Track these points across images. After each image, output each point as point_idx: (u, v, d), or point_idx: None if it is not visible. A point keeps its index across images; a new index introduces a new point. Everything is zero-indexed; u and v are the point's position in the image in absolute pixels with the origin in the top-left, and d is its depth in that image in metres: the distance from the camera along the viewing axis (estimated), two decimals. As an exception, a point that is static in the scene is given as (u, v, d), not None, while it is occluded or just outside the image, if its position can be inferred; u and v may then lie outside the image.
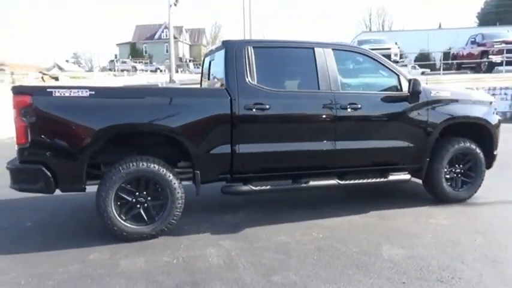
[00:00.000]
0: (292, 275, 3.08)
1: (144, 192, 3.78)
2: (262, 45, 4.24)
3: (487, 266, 3.19)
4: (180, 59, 54.29)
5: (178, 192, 3.82)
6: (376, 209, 4.59)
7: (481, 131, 4.93)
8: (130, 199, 3.74)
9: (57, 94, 3.49)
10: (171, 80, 22.32)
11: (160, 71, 40.57)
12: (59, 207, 4.77)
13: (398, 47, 19.33)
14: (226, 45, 4.11)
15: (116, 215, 3.67)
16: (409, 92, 4.38)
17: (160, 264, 3.30)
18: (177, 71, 32.41)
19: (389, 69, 4.58)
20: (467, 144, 4.78)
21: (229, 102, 3.89)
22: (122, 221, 3.70)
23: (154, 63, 47.56)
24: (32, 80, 23.99)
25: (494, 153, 4.99)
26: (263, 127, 4.08)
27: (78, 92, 3.54)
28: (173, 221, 3.85)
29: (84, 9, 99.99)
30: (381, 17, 60.53)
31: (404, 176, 4.61)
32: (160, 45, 56.34)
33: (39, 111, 3.45)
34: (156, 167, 3.72)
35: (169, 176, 3.77)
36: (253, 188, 4.07)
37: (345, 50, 4.60)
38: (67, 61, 64.93)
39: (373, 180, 4.49)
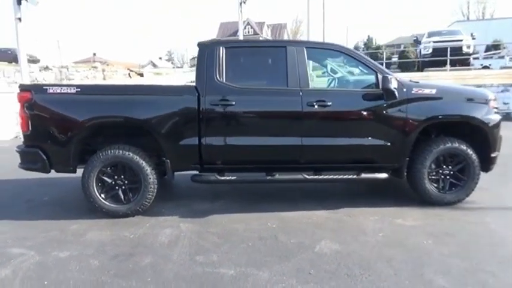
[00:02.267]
0: (216, 256, 3.39)
1: (122, 176, 4.36)
2: (234, 46, 4.54)
3: (409, 267, 3.14)
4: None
5: (150, 178, 4.33)
6: (350, 206, 4.61)
7: (475, 131, 4.61)
8: (110, 181, 4.35)
9: (51, 91, 4.23)
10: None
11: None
12: (73, 186, 5.62)
13: (474, 38, 17.62)
14: (200, 46, 4.49)
15: (97, 194, 4.31)
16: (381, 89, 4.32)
17: (118, 237, 3.85)
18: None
19: (368, 66, 4.53)
20: (456, 144, 4.53)
21: (197, 98, 4.28)
22: (102, 200, 4.33)
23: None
24: (120, 76, 26.83)
25: (492, 155, 4.63)
26: (229, 122, 4.38)
27: (67, 89, 4.25)
28: (146, 203, 4.38)
29: (180, 7, 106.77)
30: (481, 4, 54.61)
31: (380, 174, 4.54)
32: (243, 41, 58.19)
33: (37, 105, 4.22)
34: (131, 154, 4.28)
35: (142, 163, 4.30)
36: (219, 177, 4.41)
37: (320, 48, 4.67)
38: (160, 58, 70.72)
39: (345, 177, 4.53)
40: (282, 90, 4.40)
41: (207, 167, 4.48)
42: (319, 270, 3.12)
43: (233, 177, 4.44)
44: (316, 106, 4.32)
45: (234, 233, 3.90)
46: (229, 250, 3.52)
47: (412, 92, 4.45)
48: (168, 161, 4.37)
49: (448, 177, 4.63)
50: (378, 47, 40.90)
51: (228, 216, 4.38)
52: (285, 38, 60.17)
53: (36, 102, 4.21)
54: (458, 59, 16.35)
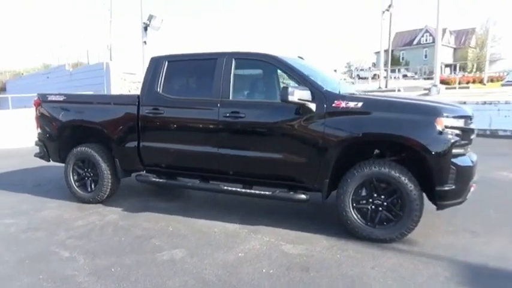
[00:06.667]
0: (82, 242, 3.93)
1: (89, 170, 5.30)
2: (176, 59, 4.89)
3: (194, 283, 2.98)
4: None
5: (105, 173, 5.13)
6: (270, 225, 4.32)
7: (415, 155, 3.71)
8: (81, 173, 5.34)
9: (49, 98, 5.53)
10: (378, 88, 21.94)
11: (404, 76, 39.19)
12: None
13: None
14: (150, 60, 5.03)
15: (73, 182, 5.37)
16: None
17: (57, 217, 4.78)
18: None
19: (295, 78, 4.21)
20: (385, 169, 3.75)
21: (137, 107, 4.85)
22: (76, 188, 5.36)
23: (402, 70, 46.21)
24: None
25: (438, 189, 3.62)
26: (158, 128, 4.78)
27: (58, 97, 5.46)
28: (102, 194, 5.20)
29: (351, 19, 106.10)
30: None
31: (298, 195, 4.14)
32: (419, 50, 53.79)
33: (42, 109, 5.57)
34: (91, 152, 5.18)
35: (98, 160, 5.14)
36: (152, 179, 4.88)
37: (249, 59, 4.54)
38: (335, 71, 71.96)
39: (258, 192, 4.33)
40: (203, 101, 4.53)
41: (148, 169, 4.99)
42: (117, 269, 3.30)
43: (163, 180, 4.84)
44: (230, 117, 4.30)
45: (130, 229, 4.30)
46: (98, 240, 4.00)
47: (333, 105, 3.92)
48: (117, 160, 5.07)
49: (380, 208, 3.85)
50: None
51: (154, 215, 4.76)
52: (472, 45, 52.76)
53: (42, 107, 5.58)
54: None
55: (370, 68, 44.50)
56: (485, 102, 12.50)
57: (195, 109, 4.59)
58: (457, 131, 3.66)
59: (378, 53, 60.99)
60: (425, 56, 52.42)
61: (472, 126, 3.90)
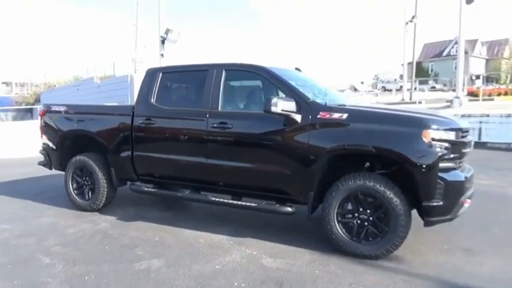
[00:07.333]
0: (67, 250, 3.98)
1: (87, 178, 5.40)
2: (170, 71, 4.95)
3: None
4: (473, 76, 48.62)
5: (101, 182, 5.21)
6: (258, 238, 4.24)
7: (401, 168, 3.57)
8: (80, 181, 5.45)
9: (52, 109, 5.70)
10: (401, 100, 21.44)
11: (432, 88, 38.22)
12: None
13: None
14: (146, 72, 5.11)
15: (72, 190, 5.48)
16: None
17: (52, 223, 4.88)
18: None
19: (283, 89, 4.16)
20: (369, 182, 3.61)
21: (132, 117, 4.92)
22: (75, 195, 5.47)
23: (430, 82, 45.09)
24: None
25: (425, 204, 3.45)
26: (150, 138, 4.83)
27: (60, 107, 5.62)
28: (99, 203, 5.27)
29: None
30: None
31: (284, 207, 4.05)
32: (448, 62, 52.25)
33: (45, 119, 5.75)
34: (88, 161, 5.28)
35: (95, 169, 5.23)
36: (144, 189, 4.90)
37: (239, 70, 4.52)
38: (362, 83, 71.12)
39: (244, 203, 4.27)
40: (193, 112, 4.54)
41: (142, 178, 5.02)
42: (91, 277, 3.32)
43: (154, 190, 4.86)
44: (217, 128, 4.29)
45: (117, 238, 4.32)
46: (83, 248, 4.04)
47: (318, 116, 3.84)
48: (112, 169, 5.14)
49: (366, 223, 3.71)
50: None
51: (145, 225, 4.77)
52: (505, 55, 50.94)
53: (46, 117, 5.76)
54: None
55: (396, 80, 43.67)
56: (509, 115, 11.95)
57: (185, 120, 4.60)
58: (446, 144, 3.49)
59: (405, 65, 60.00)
60: (455, 68, 50.90)
61: (466, 139, 3.73)
